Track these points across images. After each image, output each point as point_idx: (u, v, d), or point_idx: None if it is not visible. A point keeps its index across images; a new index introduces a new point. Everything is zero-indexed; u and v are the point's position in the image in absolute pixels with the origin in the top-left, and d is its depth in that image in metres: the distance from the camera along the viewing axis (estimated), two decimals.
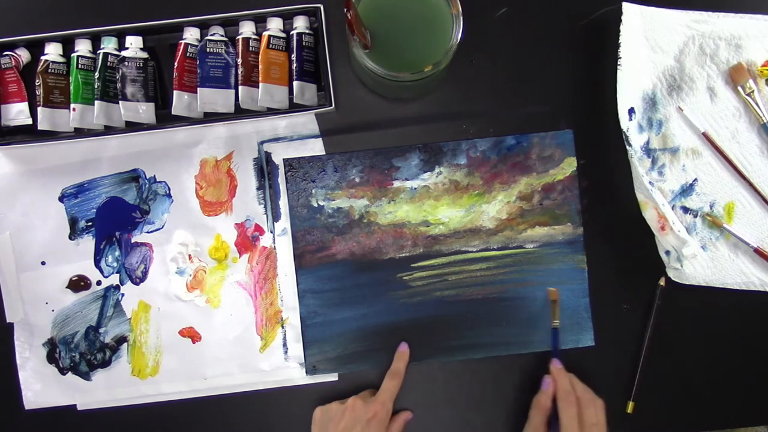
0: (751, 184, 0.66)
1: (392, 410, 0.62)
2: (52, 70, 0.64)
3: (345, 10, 0.52)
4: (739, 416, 0.68)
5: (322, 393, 0.66)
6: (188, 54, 0.64)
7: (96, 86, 0.64)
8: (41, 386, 0.67)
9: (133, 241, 0.67)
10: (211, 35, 0.64)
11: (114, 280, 0.67)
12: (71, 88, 0.64)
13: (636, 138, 0.65)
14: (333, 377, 0.67)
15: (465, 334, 0.66)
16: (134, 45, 0.64)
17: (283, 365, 0.67)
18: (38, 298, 0.67)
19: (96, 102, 0.64)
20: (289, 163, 0.67)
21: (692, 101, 0.66)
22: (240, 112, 0.65)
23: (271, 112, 0.65)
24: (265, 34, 0.64)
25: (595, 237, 0.67)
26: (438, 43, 0.57)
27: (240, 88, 0.64)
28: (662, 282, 0.66)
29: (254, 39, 0.64)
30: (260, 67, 0.64)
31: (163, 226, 0.67)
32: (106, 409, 0.67)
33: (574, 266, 0.67)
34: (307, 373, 0.67)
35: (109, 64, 0.64)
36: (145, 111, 0.65)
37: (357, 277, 0.67)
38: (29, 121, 0.65)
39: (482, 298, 0.67)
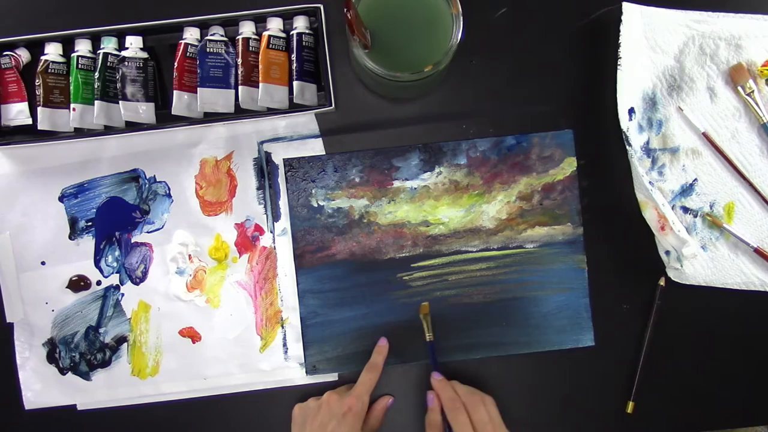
0: (751, 184, 0.66)
1: (369, 402, 0.62)
2: (52, 70, 0.64)
3: (345, 10, 0.52)
4: (739, 416, 0.68)
5: (322, 393, 0.66)
6: (188, 54, 0.64)
7: (96, 86, 0.64)
8: (41, 386, 0.67)
9: (133, 241, 0.67)
10: (211, 35, 0.64)
11: (114, 280, 0.67)
12: (71, 88, 0.64)
13: (636, 138, 0.65)
14: (333, 377, 0.67)
15: (465, 334, 0.66)
16: (134, 45, 0.64)
17: (283, 365, 0.67)
18: (38, 298, 0.67)
19: (96, 102, 0.64)
20: (289, 163, 0.67)
21: (692, 101, 0.66)
22: (240, 112, 0.65)
23: (271, 112, 0.65)
24: (265, 34, 0.64)
25: (595, 237, 0.67)
26: (438, 43, 0.57)
27: (240, 88, 0.64)
28: (662, 282, 0.66)
29: (254, 39, 0.64)
30: (260, 67, 0.64)
31: (163, 226, 0.67)
32: (106, 409, 0.67)
33: (574, 266, 0.67)
34: (307, 373, 0.67)
35: (109, 64, 0.64)
36: (145, 111, 0.65)
37: (357, 277, 0.67)
38: (29, 121, 0.65)
39: (482, 298, 0.67)
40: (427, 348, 0.65)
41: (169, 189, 0.67)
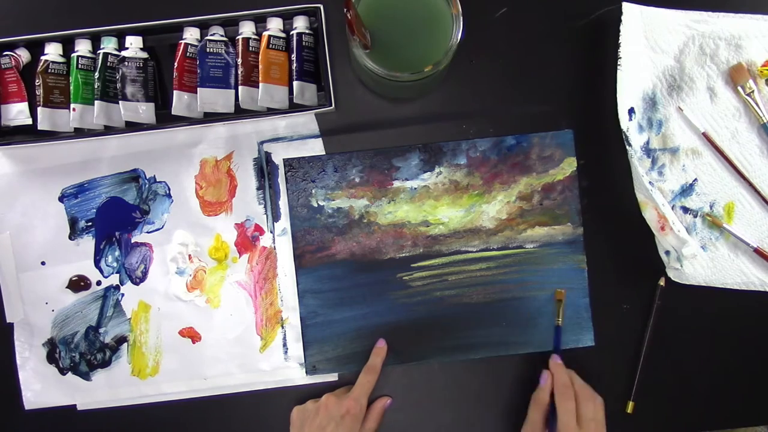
0: (751, 184, 0.66)
1: (367, 403, 0.62)
2: (52, 70, 0.64)
3: (345, 10, 0.52)
4: (739, 416, 0.68)
5: (322, 393, 0.66)
6: (188, 54, 0.64)
7: (96, 86, 0.64)
8: (41, 386, 0.67)
9: (133, 241, 0.67)
10: (211, 35, 0.64)
11: (114, 280, 0.67)
12: (71, 88, 0.64)
13: (636, 138, 0.65)
14: (333, 377, 0.67)
15: (465, 334, 0.66)
16: (134, 45, 0.64)
17: (283, 365, 0.67)
18: (38, 298, 0.67)
19: (96, 102, 0.64)
20: (289, 163, 0.67)
21: (692, 101, 0.66)
22: (240, 112, 0.65)
23: (271, 112, 0.65)
24: (265, 34, 0.64)
25: (595, 237, 0.67)
26: (438, 43, 0.57)
27: (240, 88, 0.64)
28: (662, 282, 0.66)
29: (254, 39, 0.64)
30: (260, 67, 0.64)
31: (163, 226, 0.67)
32: (106, 409, 0.67)
33: (574, 266, 0.67)
34: (307, 373, 0.67)
35: (109, 64, 0.64)
36: (145, 111, 0.65)
37: (357, 277, 0.67)
38: (29, 121, 0.65)
39: (482, 298, 0.67)
40: (554, 331, 0.66)
41: (169, 189, 0.67)
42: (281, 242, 0.67)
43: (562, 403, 0.59)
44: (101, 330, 0.67)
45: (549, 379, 0.62)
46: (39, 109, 0.64)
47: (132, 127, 0.65)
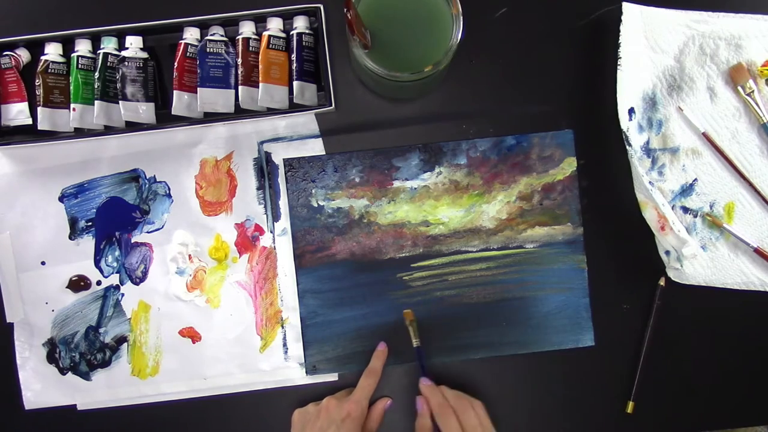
0: (751, 184, 0.66)
1: (368, 406, 0.63)
2: (52, 70, 0.64)
3: (345, 10, 0.52)
4: (739, 416, 0.68)
5: (322, 393, 0.66)
6: (188, 54, 0.64)
7: (96, 86, 0.64)
8: (41, 386, 0.67)
9: (133, 241, 0.67)
10: (211, 35, 0.64)
11: (114, 280, 0.67)
12: (71, 88, 0.64)
13: (636, 138, 0.65)
14: (333, 377, 0.67)
15: (465, 334, 0.66)
16: (134, 45, 0.64)
17: (283, 365, 0.67)
18: (38, 298, 0.67)
19: (96, 102, 0.64)
20: (289, 163, 0.67)
21: (692, 101, 0.66)
22: (240, 112, 0.65)
23: (271, 112, 0.65)
24: (265, 34, 0.64)
25: (595, 237, 0.67)
26: (438, 43, 0.57)
27: (240, 88, 0.64)
28: (662, 282, 0.66)
29: (254, 39, 0.64)
30: (260, 67, 0.64)
31: (163, 226, 0.67)
32: (106, 409, 0.67)
33: (574, 266, 0.67)
34: (307, 373, 0.67)
35: (109, 64, 0.64)
36: (145, 111, 0.65)
37: (357, 277, 0.67)
38: (29, 121, 0.65)
39: (482, 298, 0.67)
40: (414, 353, 0.65)
41: (169, 189, 0.67)
42: (281, 242, 0.67)
43: (443, 422, 0.58)
44: (101, 330, 0.67)
45: (424, 404, 0.61)
46: (39, 109, 0.64)
47: (132, 127, 0.65)
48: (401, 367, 0.67)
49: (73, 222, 0.67)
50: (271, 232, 0.67)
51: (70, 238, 0.67)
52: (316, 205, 0.67)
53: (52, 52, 0.64)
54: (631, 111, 0.65)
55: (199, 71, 0.64)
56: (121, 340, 0.67)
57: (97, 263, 0.67)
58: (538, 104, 0.67)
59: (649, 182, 0.63)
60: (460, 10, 0.56)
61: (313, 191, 0.67)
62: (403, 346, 0.66)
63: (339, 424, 0.59)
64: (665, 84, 0.66)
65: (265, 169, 0.67)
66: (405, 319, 0.66)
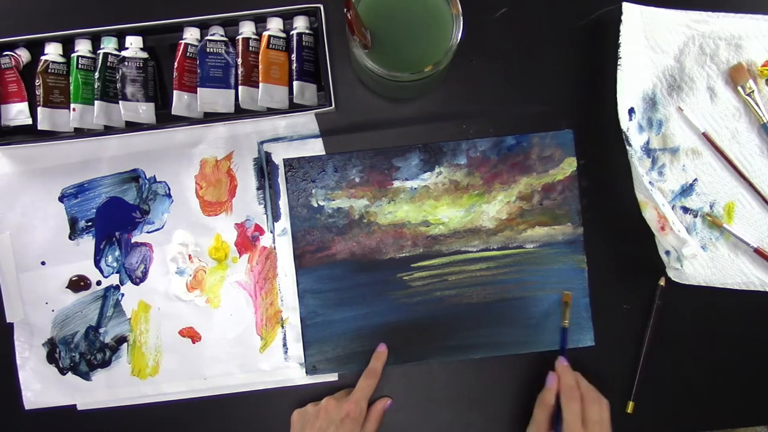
0: (751, 184, 0.66)
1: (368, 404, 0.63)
2: (52, 70, 0.64)
3: (345, 10, 0.52)
4: (739, 416, 0.68)
5: (322, 393, 0.66)
6: (188, 54, 0.64)
7: (96, 86, 0.64)
8: (41, 386, 0.67)
9: (133, 241, 0.67)
10: (211, 35, 0.64)
11: (114, 280, 0.67)
12: (71, 88, 0.64)
13: (636, 138, 0.65)
14: (333, 377, 0.67)
15: (465, 334, 0.66)
16: (134, 45, 0.64)
17: (283, 365, 0.67)
18: (38, 298, 0.67)
19: (96, 102, 0.64)
20: (289, 163, 0.67)
21: (692, 101, 0.66)
22: (240, 112, 0.65)
23: (271, 112, 0.65)
24: (265, 34, 0.64)
25: (595, 237, 0.67)
26: (438, 43, 0.57)
27: (240, 88, 0.64)
28: (662, 282, 0.66)
29: (254, 39, 0.64)
30: (260, 67, 0.64)
31: (163, 226, 0.67)
32: (106, 409, 0.67)
33: (574, 266, 0.67)
34: (307, 373, 0.67)
35: (109, 64, 0.64)
36: (145, 111, 0.65)
37: (357, 277, 0.67)
38: (29, 121, 0.65)
39: (482, 298, 0.67)
40: (560, 333, 0.66)
41: (169, 189, 0.67)
42: (281, 242, 0.67)
43: (567, 405, 0.59)
44: (101, 330, 0.67)
45: (555, 381, 0.62)
46: (39, 109, 0.64)
47: (132, 127, 0.65)
48: (401, 367, 0.67)
49: (73, 222, 0.67)
50: (271, 232, 0.67)
51: (70, 238, 0.67)
52: (316, 205, 0.67)
53: (52, 52, 0.64)
54: (631, 111, 0.65)
55: (199, 71, 0.64)
56: (121, 340, 0.67)
57: (97, 263, 0.67)
58: (538, 104, 0.67)
59: (649, 182, 0.63)
60: (460, 10, 0.56)
61: (313, 191, 0.67)
62: (404, 345, 0.66)
63: (338, 424, 0.60)
64: (665, 84, 0.66)
65: (265, 169, 0.67)
66: (563, 299, 0.66)
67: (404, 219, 0.67)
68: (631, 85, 0.65)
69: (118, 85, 0.64)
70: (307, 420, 0.62)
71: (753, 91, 0.65)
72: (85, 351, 0.67)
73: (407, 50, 0.58)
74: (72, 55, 0.64)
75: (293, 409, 0.64)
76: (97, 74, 0.64)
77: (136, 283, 0.67)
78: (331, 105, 0.65)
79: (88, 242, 0.67)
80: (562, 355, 0.65)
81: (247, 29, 0.65)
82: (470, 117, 0.67)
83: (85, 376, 0.67)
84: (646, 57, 0.66)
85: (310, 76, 0.65)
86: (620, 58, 0.63)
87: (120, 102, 0.64)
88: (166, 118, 0.65)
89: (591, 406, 0.59)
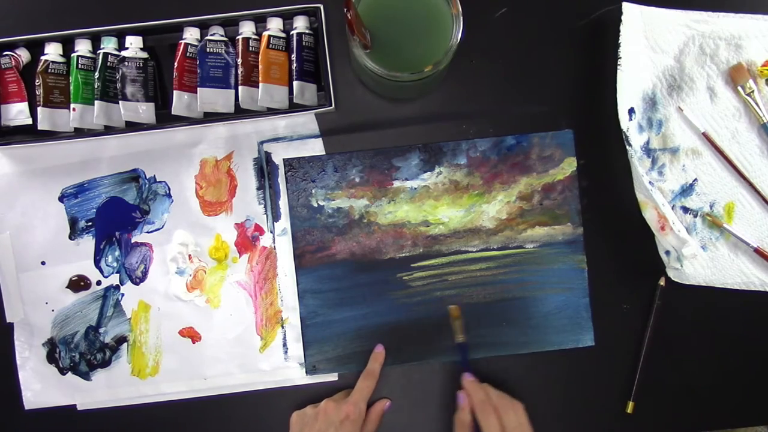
0: (751, 184, 0.66)
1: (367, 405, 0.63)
2: (52, 70, 0.64)
3: (345, 10, 0.52)
4: (739, 416, 0.68)
5: (322, 393, 0.66)
6: (188, 54, 0.64)
7: (96, 86, 0.64)
8: (41, 386, 0.67)
9: (133, 241, 0.67)
10: (211, 35, 0.64)
11: (114, 280, 0.67)
12: (71, 88, 0.64)
13: (636, 138, 0.65)
14: (333, 377, 0.67)
15: (465, 334, 0.66)
16: (134, 45, 0.64)
17: (283, 365, 0.67)
18: (38, 298, 0.67)
19: (96, 102, 0.64)
20: (289, 163, 0.67)
21: (692, 101, 0.66)
22: (240, 112, 0.65)
23: (271, 112, 0.65)
24: (265, 34, 0.64)
25: (595, 237, 0.67)
26: (438, 43, 0.57)
27: (240, 88, 0.64)
28: (662, 282, 0.66)
29: (254, 39, 0.64)
30: (260, 67, 0.64)
31: (163, 226, 0.67)
32: (106, 409, 0.67)
33: (574, 266, 0.67)
34: (307, 373, 0.67)
35: (109, 64, 0.64)
36: (145, 111, 0.65)
37: (357, 277, 0.67)
38: (29, 121, 0.65)
39: (482, 298, 0.67)
40: (458, 349, 0.65)
41: (169, 189, 0.67)
42: (281, 242, 0.67)
43: (484, 420, 0.59)
44: (101, 330, 0.67)
45: (466, 399, 0.62)
46: (39, 109, 0.64)
47: (132, 127, 0.65)
48: (400, 367, 0.67)
49: (73, 222, 0.67)
50: (271, 232, 0.67)
51: (70, 238, 0.67)
52: (316, 205, 0.67)
53: (52, 52, 0.64)
54: (631, 111, 0.65)
55: (199, 71, 0.64)
56: (121, 340, 0.67)
57: (97, 263, 0.67)
58: (538, 104, 0.67)
59: (649, 182, 0.63)
60: (460, 10, 0.56)
61: (313, 191, 0.67)
62: (404, 345, 0.66)
63: (337, 426, 0.60)
64: (665, 84, 0.66)
65: (265, 169, 0.67)
66: (450, 314, 0.65)
67: (404, 219, 0.67)
68: (631, 85, 0.65)
69: (118, 85, 0.64)
70: (306, 422, 0.62)
71: (753, 91, 0.65)
72: (85, 351, 0.67)
73: (407, 50, 0.58)
74: (72, 55, 0.64)
75: (293, 410, 0.64)
76: (97, 74, 0.64)
77: (136, 283, 0.67)
78: (331, 105, 0.65)
79: (88, 242, 0.67)
80: (466, 371, 0.64)
81: (247, 29, 0.65)
82: (470, 117, 0.67)
83: (85, 376, 0.67)
84: (646, 57, 0.66)
85: (310, 76, 0.65)
86: (620, 58, 0.63)
87: (120, 102, 0.64)
88: (166, 118, 0.65)
89: (507, 414, 0.59)
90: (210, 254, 0.67)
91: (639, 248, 0.67)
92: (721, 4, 0.66)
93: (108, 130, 0.65)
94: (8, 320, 0.67)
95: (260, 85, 0.64)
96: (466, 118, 0.67)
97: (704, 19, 0.66)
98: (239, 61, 0.64)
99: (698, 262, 0.65)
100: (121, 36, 0.65)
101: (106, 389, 0.67)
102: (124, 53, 0.64)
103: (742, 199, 0.66)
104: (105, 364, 0.67)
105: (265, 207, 0.67)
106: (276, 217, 0.67)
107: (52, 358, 0.67)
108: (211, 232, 0.67)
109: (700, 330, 0.67)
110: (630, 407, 0.66)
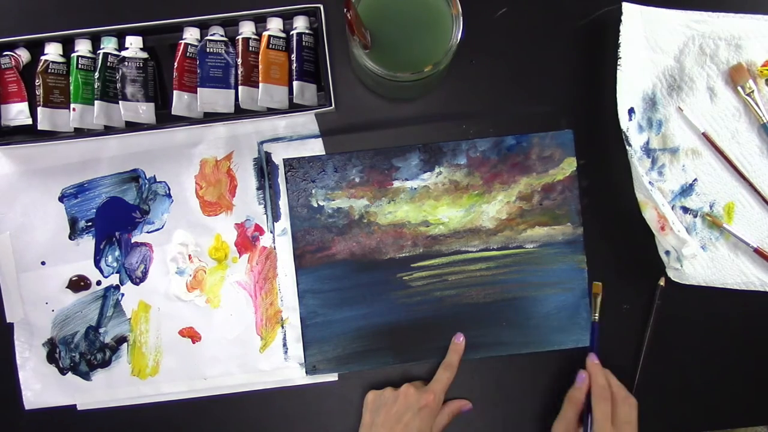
0: (751, 184, 0.66)
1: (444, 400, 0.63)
2: (52, 70, 0.64)
3: (345, 10, 0.52)
4: (739, 416, 0.68)
5: (322, 393, 0.66)
6: (188, 54, 0.64)
7: (96, 86, 0.64)
8: (41, 386, 0.67)
9: (133, 241, 0.67)
10: (211, 35, 0.64)
11: (114, 280, 0.67)
12: (71, 88, 0.64)
13: (636, 138, 0.65)
14: (333, 377, 0.67)
15: (465, 334, 0.66)
16: (134, 45, 0.64)
17: (283, 365, 0.67)
18: (38, 298, 0.67)
19: (96, 102, 0.64)
20: (289, 163, 0.67)
21: (692, 101, 0.66)
22: (240, 112, 0.65)
23: (271, 112, 0.65)
24: (265, 34, 0.64)
25: (595, 237, 0.67)
26: (438, 43, 0.57)
27: (240, 88, 0.64)
28: (662, 282, 0.66)
29: (254, 39, 0.64)
30: (260, 67, 0.64)
31: (163, 226, 0.67)
32: (106, 409, 0.67)
33: (574, 266, 0.67)
34: (307, 373, 0.67)
35: (109, 64, 0.64)
36: (145, 111, 0.65)
37: (357, 277, 0.67)
38: (29, 121, 0.65)
39: (482, 298, 0.67)
40: (591, 328, 0.66)
41: (169, 189, 0.67)
42: (281, 242, 0.67)
43: (598, 405, 0.59)
44: (101, 330, 0.67)
45: (586, 379, 0.62)
46: (39, 109, 0.64)
47: (132, 127, 0.65)
48: (401, 366, 0.67)
49: (73, 222, 0.67)
50: (271, 232, 0.67)
51: (70, 238, 0.67)
52: (316, 205, 0.67)
53: (52, 52, 0.64)
54: (631, 111, 0.65)
55: (199, 71, 0.64)
56: (121, 340, 0.67)
57: (97, 263, 0.67)
58: (538, 104, 0.67)
59: (649, 182, 0.63)
60: (460, 10, 0.56)
61: (313, 191, 0.67)
62: (405, 345, 0.66)
63: (416, 412, 0.60)
64: (665, 84, 0.66)
65: (265, 169, 0.67)
66: (593, 289, 0.66)
67: (404, 219, 0.67)
68: (631, 85, 0.65)
69: (118, 85, 0.64)
70: (384, 402, 0.62)
71: (753, 91, 0.65)
72: (85, 351, 0.67)
73: (407, 50, 0.58)
74: (72, 55, 0.64)
75: (293, 409, 0.64)
76: (97, 74, 0.64)
77: (136, 283, 0.67)
78: (331, 105, 0.65)
79: (88, 242, 0.67)
80: (592, 351, 0.64)
81: (247, 29, 0.65)
82: (470, 117, 0.67)
83: (85, 376, 0.67)
84: (646, 57, 0.66)
85: (310, 76, 0.65)
86: (620, 58, 0.63)
87: (120, 102, 0.64)
88: (166, 118, 0.65)
89: (621, 406, 0.59)
90: (210, 254, 0.67)
91: (639, 248, 0.67)
92: (721, 4, 0.66)
93: (108, 130, 0.65)
94: (8, 320, 0.67)
95: (260, 85, 0.64)
96: (466, 118, 0.67)
97: (704, 19, 0.66)
98: (239, 61, 0.64)
99: (698, 262, 0.65)
100: (121, 36, 0.65)
101: (106, 389, 0.67)
102: (124, 53, 0.64)
103: (742, 199, 0.66)
104: (105, 364, 0.67)
105: (265, 207, 0.67)
106: (276, 217, 0.67)
107: (52, 358, 0.67)
108: (211, 232, 0.67)
109: (700, 330, 0.67)
110: None
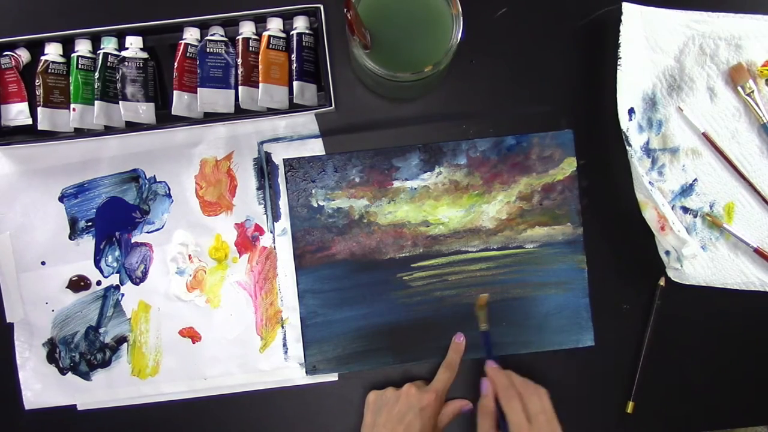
0: (751, 184, 0.66)
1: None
2: (52, 70, 0.64)
3: (345, 10, 0.52)
4: (739, 416, 0.68)
5: (322, 393, 0.66)
6: (188, 54, 0.64)
7: (96, 86, 0.64)
8: (41, 386, 0.67)
9: (133, 241, 0.67)
10: (211, 35, 0.64)
11: (114, 280, 0.67)
12: (71, 88, 0.64)
13: (636, 138, 0.65)
14: (333, 377, 0.67)
15: (465, 334, 0.66)
16: (134, 45, 0.64)
17: (283, 365, 0.67)
18: (38, 298, 0.67)
19: (96, 102, 0.64)
20: (289, 163, 0.67)
21: (692, 101, 0.66)
22: (240, 112, 0.65)
23: (271, 112, 0.65)
24: (265, 34, 0.64)
25: (595, 237, 0.67)
26: (438, 43, 0.57)
27: (240, 88, 0.64)
28: (662, 282, 0.66)
29: (254, 39, 0.64)
30: (260, 67, 0.64)
31: (163, 226, 0.67)
32: (106, 409, 0.67)
33: (574, 266, 0.67)
34: (307, 373, 0.67)
35: (109, 64, 0.64)
36: (145, 111, 0.65)
37: (357, 277, 0.67)
38: (29, 121, 0.65)
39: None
40: (480, 337, 0.65)
41: (169, 189, 0.67)
42: (281, 242, 0.67)
43: (508, 405, 0.59)
44: (101, 330, 0.67)
45: (489, 386, 0.62)
46: (39, 109, 0.64)
47: (132, 127, 0.65)
48: (401, 366, 0.67)
49: (73, 222, 0.67)
50: (271, 232, 0.67)
51: (70, 238, 0.67)
52: (316, 205, 0.67)
53: (52, 52, 0.64)
54: (631, 111, 0.65)
55: (199, 71, 0.64)
56: (121, 340, 0.67)
57: (97, 263, 0.67)
58: (538, 104, 0.67)
59: (649, 182, 0.63)
60: (460, 10, 0.56)
61: (313, 191, 0.67)
62: (405, 345, 0.66)
63: (417, 412, 0.60)
64: (665, 84, 0.66)
65: (265, 169, 0.67)
66: (477, 302, 0.65)
67: (404, 219, 0.67)
68: (631, 85, 0.65)
69: (118, 85, 0.64)
70: (386, 402, 0.62)
71: (753, 91, 0.65)
72: (85, 351, 0.67)
73: (407, 50, 0.58)
74: (72, 55, 0.64)
75: (293, 409, 0.64)
76: (97, 74, 0.64)
77: (136, 283, 0.67)
78: (331, 105, 0.65)
79: (88, 242, 0.67)
80: (489, 359, 0.64)
81: (247, 29, 0.65)
82: (470, 117, 0.67)
83: (85, 376, 0.67)
84: (646, 57, 0.66)
85: (310, 76, 0.65)
86: (620, 58, 0.63)
87: (120, 102, 0.64)
88: (166, 118, 0.65)
89: (531, 399, 0.59)
90: (210, 254, 0.67)
91: (639, 248, 0.67)
92: (721, 4, 0.66)
93: (108, 130, 0.65)
94: (8, 320, 0.67)
95: (260, 85, 0.64)
96: (466, 118, 0.67)
97: (704, 19, 0.66)
98: (239, 61, 0.64)
99: (698, 262, 0.65)
100: (121, 36, 0.65)
101: (107, 389, 0.67)
102: (124, 53, 0.64)
103: (742, 199, 0.66)
104: (105, 364, 0.67)
105: (265, 207, 0.67)
106: (276, 217, 0.67)
107: (52, 358, 0.67)
108: (211, 232, 0.67)
109: (700, 330, 0.67)
110: (630, 407, 0.66)
